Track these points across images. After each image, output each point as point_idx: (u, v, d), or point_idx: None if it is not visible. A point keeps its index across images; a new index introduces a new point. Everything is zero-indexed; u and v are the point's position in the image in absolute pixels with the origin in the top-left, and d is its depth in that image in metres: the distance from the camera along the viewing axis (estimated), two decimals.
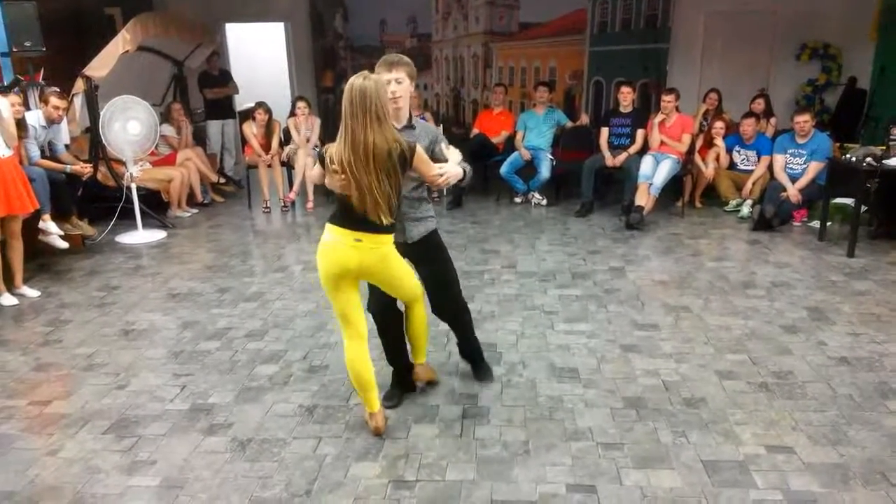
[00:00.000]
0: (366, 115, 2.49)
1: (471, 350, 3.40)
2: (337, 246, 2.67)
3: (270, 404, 3.21)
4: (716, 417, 3.01)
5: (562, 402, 3.16)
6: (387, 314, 3.09)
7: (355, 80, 2.53)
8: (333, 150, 2.60)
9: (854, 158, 5.36)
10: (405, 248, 2.95)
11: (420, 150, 2.68)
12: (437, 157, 2.91)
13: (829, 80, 8.31)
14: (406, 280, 2.91)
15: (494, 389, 3.28)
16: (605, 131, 6.86)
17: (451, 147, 3.04)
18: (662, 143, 6.46)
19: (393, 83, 2.80)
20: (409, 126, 2.93)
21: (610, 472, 2.64)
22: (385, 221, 2.61)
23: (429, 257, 3.08)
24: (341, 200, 2.67)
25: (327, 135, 7.79)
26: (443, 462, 2.72)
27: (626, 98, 6.73)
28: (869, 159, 5.20)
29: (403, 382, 3.24)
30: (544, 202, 7.12)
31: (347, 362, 2.84)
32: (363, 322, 2.85)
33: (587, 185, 6.69)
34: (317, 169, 2.77)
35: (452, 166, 2.87)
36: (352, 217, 2.63)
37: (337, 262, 2.68)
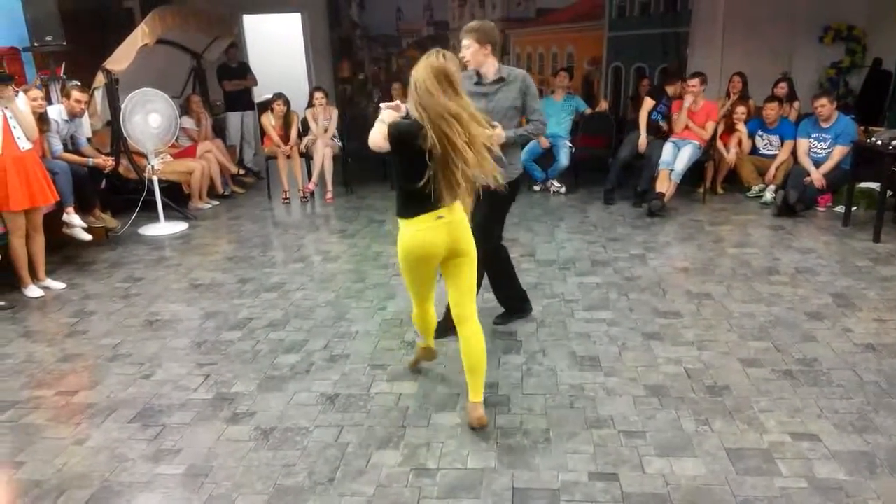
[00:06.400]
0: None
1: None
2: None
3: (292, 393, 3.23)
4: (739, 405, 2.98)
5: (583, 391, 3.15)
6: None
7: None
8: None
9: (879, 142, 5.26)
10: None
11: None
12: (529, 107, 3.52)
13: (854, 62, 8.14)
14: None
15: (515, 378, 3.28)
16: (649, 101, 6.78)
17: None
18: (686, 127, 6.38)
19: (463, 49, 3.38)
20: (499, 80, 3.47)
21: (632, 460, 2.63)
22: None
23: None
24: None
25: (345, 125, 7.81)
26: (464, 450, 2.73)
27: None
28: (895, 142, 5.10)
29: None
30: (563, 190, 7.07)
31: (415, 318, 3.16)
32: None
33: (616, 172, 6.68)
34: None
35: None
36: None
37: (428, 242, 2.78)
